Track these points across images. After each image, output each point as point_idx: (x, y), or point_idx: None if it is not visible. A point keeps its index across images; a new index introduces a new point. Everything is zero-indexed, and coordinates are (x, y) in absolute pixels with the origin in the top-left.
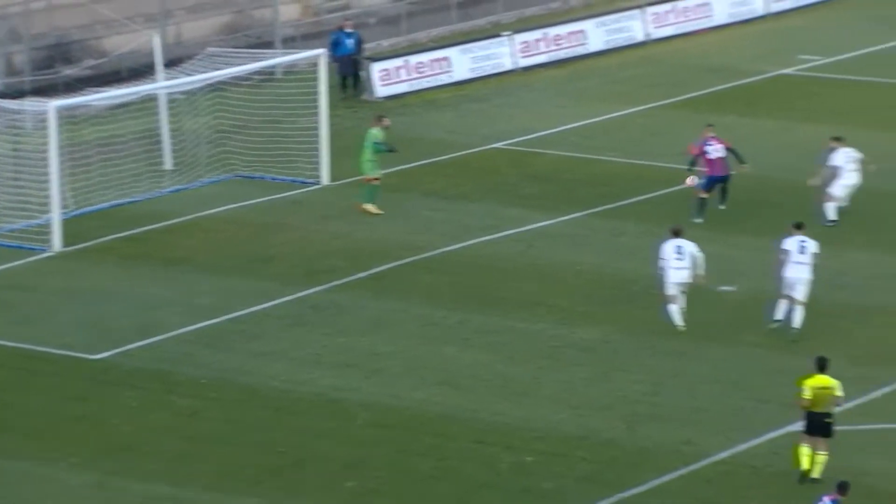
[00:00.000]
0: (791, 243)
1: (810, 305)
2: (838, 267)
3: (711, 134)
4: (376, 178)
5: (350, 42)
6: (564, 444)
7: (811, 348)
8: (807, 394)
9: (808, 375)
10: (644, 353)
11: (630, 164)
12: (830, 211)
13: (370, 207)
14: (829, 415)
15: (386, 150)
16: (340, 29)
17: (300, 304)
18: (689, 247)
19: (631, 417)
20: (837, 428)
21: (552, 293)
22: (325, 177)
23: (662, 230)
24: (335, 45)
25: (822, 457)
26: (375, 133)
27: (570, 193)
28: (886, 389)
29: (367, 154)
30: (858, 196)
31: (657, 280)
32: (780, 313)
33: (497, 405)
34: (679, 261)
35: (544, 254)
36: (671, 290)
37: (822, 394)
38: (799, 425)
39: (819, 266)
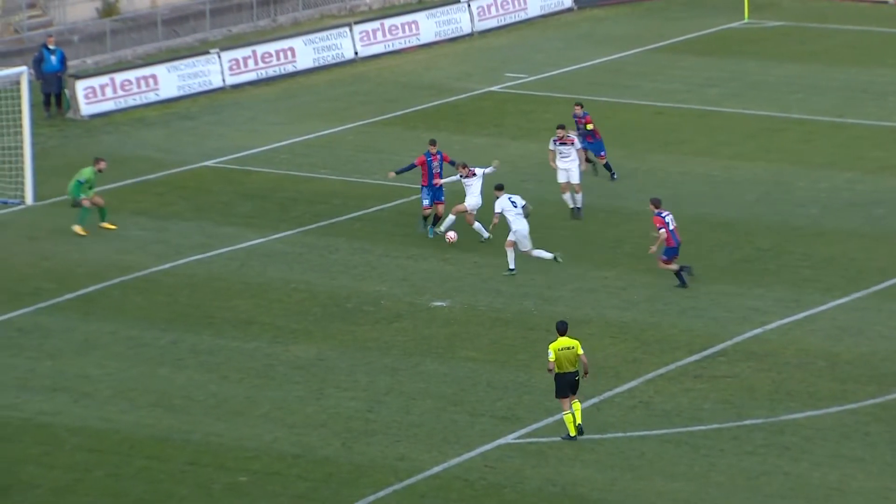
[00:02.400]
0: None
1: (521, 319)
2: (546, 281)
3: (435, 149)
4: (87, 201)
5: (54, 59)
6: (279, 462)
7: (523, 362)
8: (551, 356)
9: (553, 341)
10: (359, 370)
11: (343, 180)
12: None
13: (79, 228)
14: (576, 373)
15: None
16: (44, 46)
17: (5, 328)
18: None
19: (346, 434)
20: (548, 440)
21: (266, 311)
22: (29, 197)
23: (375, 246)
24: (39, 62)
25: (577, 403)
26: (88, 172)
27: (284, 211)
28: (595, 400)
29: (73, 188)
30: (563, 212)
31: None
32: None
33: (211, 425)
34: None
35: (258, 272)
36: (513, 237)
37: (567, 354)
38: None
39: (530, 281)
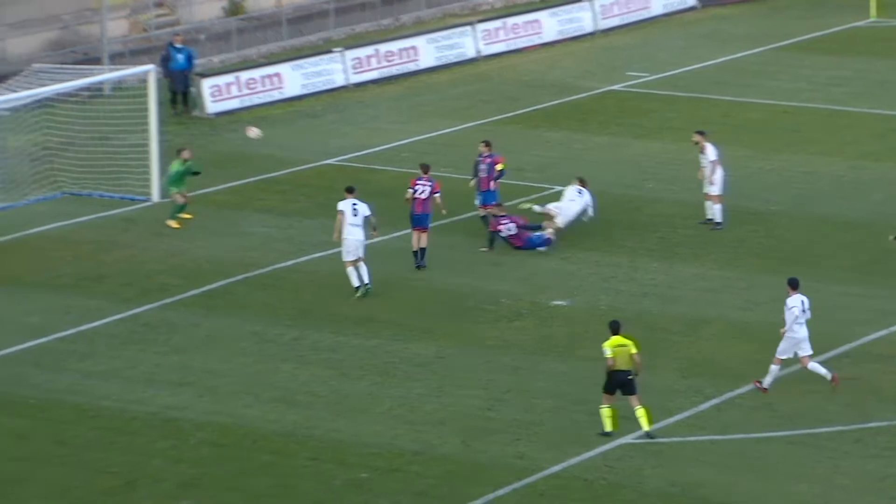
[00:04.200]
0: (344, 205)
1: (642, 319)
2: (668, 281)
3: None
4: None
5: (181, 57)
6: (400, 459)
7: (644, 362)
8: (608, 353)
9: (608, 339)
10: (479, 368)
11: (464, 179)
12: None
13: (173, 222)
14: (629, 372)
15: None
16: (171, 44)
17: (132, 323)
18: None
19: (465, 432)
20: (669, 440)
21: (387, 309)
22: (156, 194)
23: (496, 245)
24: (166, 61)
25: (641, 409)
26: (176, 166)
27: (404, 209)
28: (717, 401)
29: (171, 182)
30: (688, 211)
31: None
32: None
33: (333, 422)
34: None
35: (379, 269)
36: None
37: (621, 351)
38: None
39: (651, 281)
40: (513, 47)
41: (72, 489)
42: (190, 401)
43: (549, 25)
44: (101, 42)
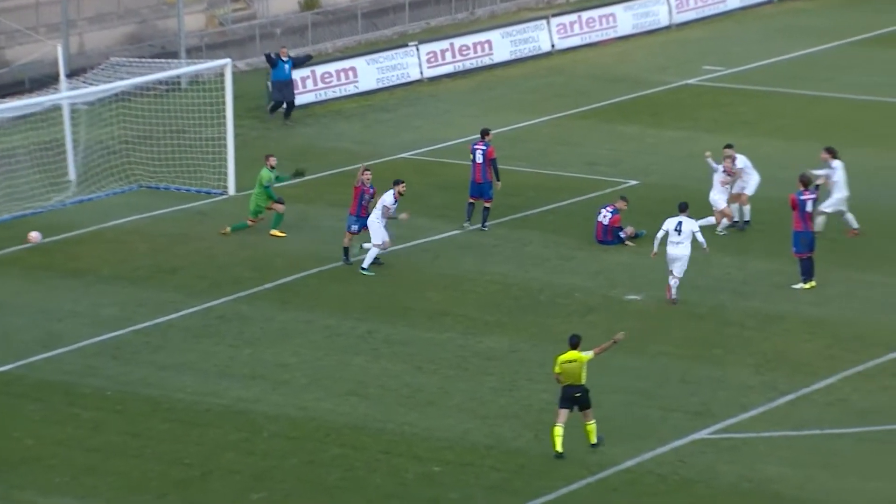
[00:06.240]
0: (670, 223)
1: (716, 314)
2: (742, 277)
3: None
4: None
5: (287, 68)
6: (472, 453)
7: (717, 357)
8: (556, 368)
9: (562, 352)
10: (551, 363)
11: (537, 173)
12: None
13: (277, 232)
14: (581, 387)
15: (285, 181)
16: (278, 55)
17: (206, 316)
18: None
19: (538, 426)
20: (742, 436)
21: (459, 303)
22: (231, 187)
23: (569, 239)
24: (272, 70)
25: (590, 426)
26: (266, 174)
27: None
28: (790, 397)
29: (260, 198)
30: (762, 206)
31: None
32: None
33: (405, 415)
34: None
35: (451, 263)
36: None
37: (570, 367)
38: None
39: (725, 276)
40: (587, 41)
41: (146, 480)
42: (262, 393)
43: (624, 19)
44: (177, 36)
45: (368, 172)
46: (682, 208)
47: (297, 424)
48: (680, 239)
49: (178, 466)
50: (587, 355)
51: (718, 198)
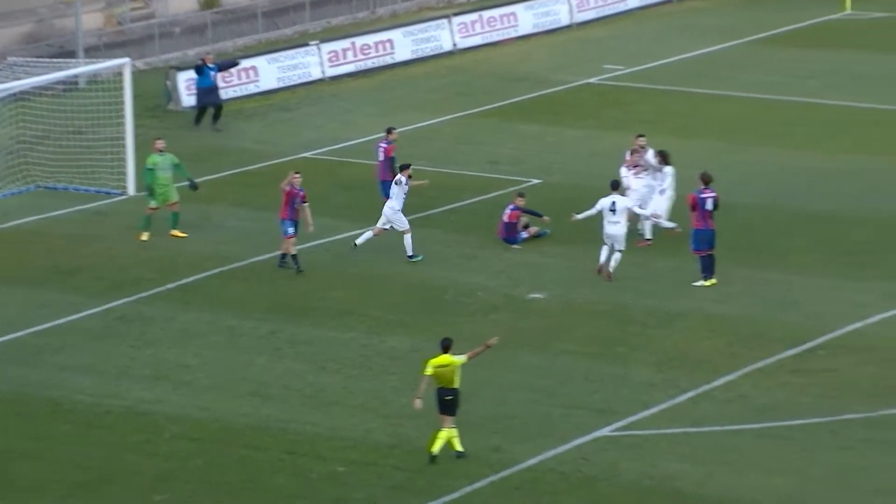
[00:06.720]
0: (605, 202)
1: (618, 312)
2: (644, 275)
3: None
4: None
5: (212, 74)
6: (375, 452)
7: (620, 355)
8: (428, 371)
9: (434, 356)
10: None
11: (439, 172)
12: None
13: (177, 232)
14: (451, 392)
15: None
16: (203, 63)
17: (106, 317)
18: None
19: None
20: (644, 433)
21: (363, 302)
22: (130, 187)
23: (472, 238)
24: (198, 77)
25: (445, 433)
26: (152, 158)
27: (380, 202)
28: (691, 394)
29: (156, 181)
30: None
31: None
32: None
33: (308, 415)
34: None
35: (355, 263)
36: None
37: (443, 372)
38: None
39: (627, 274)
40: (489, 40)
41: (46, 484)
42: (164, 395)
43: (525, 18)
44: (75, 35)
45: (298, 175)
46: (614, 186)
47: (200, 425)
48: (616, 218)
49: (78, 469)
50: (460, 359)
51: (654, 203)
